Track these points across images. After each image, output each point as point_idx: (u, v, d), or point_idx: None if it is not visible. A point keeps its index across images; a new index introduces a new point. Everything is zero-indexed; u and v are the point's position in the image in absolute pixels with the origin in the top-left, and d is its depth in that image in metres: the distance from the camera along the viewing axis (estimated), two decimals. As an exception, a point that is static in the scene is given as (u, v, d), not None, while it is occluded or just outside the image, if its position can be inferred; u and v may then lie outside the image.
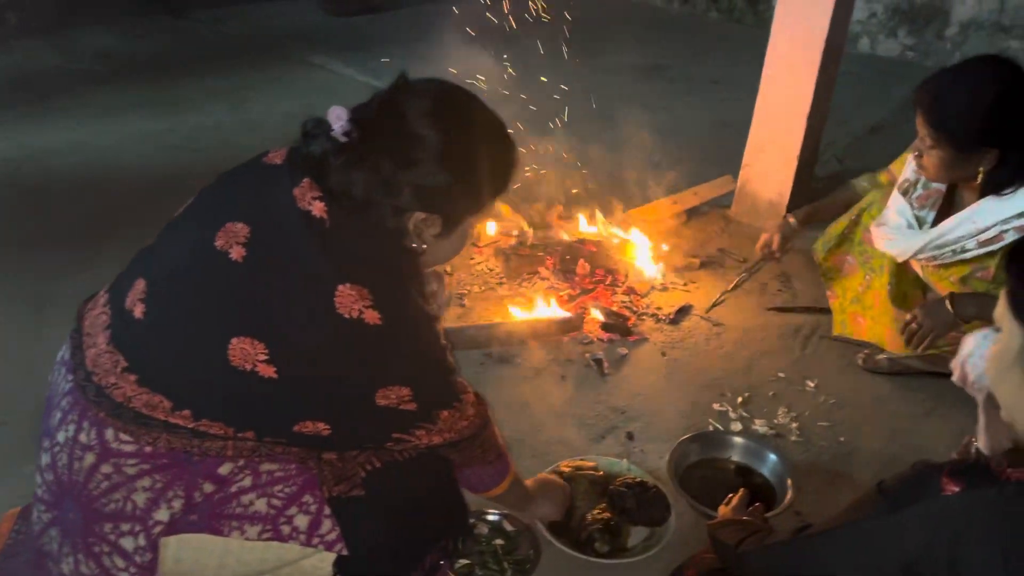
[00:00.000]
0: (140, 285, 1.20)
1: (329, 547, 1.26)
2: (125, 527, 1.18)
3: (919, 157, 1.99)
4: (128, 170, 3.68)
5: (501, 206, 3.10)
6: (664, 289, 2.85)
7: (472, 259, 2.99)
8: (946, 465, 0.91)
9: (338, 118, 1.16)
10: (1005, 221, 1.88)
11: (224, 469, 1.19)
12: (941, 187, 2.11)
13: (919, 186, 2.13)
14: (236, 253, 1.14)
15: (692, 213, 3.31)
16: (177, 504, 1.18)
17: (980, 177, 1.90)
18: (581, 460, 2.01)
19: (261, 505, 1.21)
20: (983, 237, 1.93)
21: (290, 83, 4.85)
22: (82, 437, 1.18)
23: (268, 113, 4.39)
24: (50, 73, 4.79)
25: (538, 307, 2.68)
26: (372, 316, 1.12)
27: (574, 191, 3.30)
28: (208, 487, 1.19)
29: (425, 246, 1.25)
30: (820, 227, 2.54)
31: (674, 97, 4.77)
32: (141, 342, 1.18)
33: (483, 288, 2.84)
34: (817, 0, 2.80)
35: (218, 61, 5.14)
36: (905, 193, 2.16)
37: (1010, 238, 1.88)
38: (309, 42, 5.45)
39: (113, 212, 3.25)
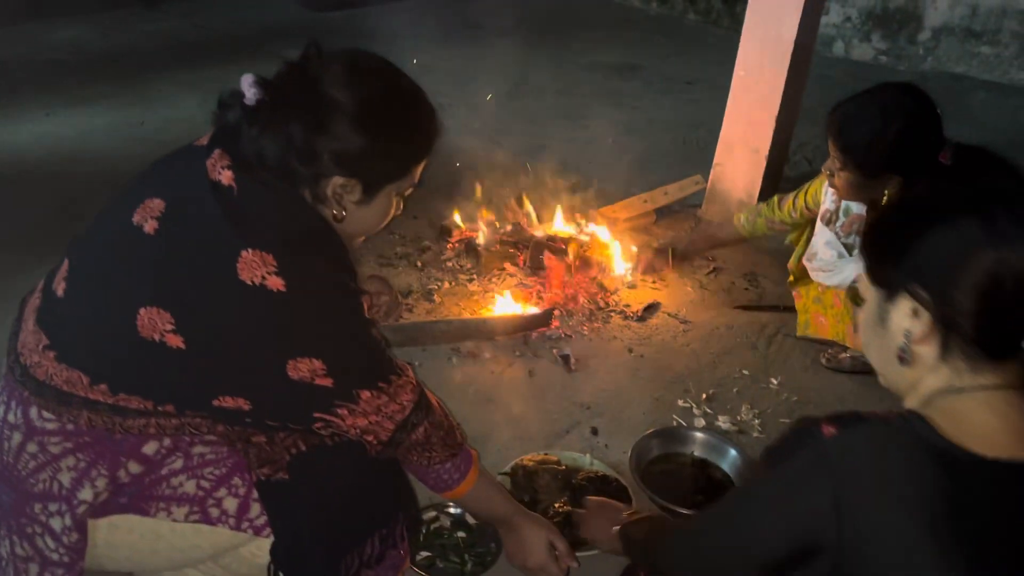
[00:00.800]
0: (64, 266, 1.21)
1: (258, 532, 1.25)
2: (53, 507, 1.17)
3: (831, 176, 2.10)
4: (96, 162, 3.64)
5: (481, 209, 3.10)
6: (633, 287, 2.86)
7: (442, 255, 2.98)
8: (824, 416, 0.98)
9: (250, 86, 1.14)
10: None
11: (149, 448, 1.19)
12: (862, 211, 2.19)
13: (840, 214, 2.21)
14: (149, 227, 1.13)
15: (662, 212, 3.33)
16: (101, 483, 1.17)
17: (886, 199, 1.99)
18: (545, 455, 2.01)
19: (190, 487, 1.21)
20: None
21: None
22: (10, 417, 1.18)
23: None
24: (19, 64, 4.73)
25: (508, 303, 2.68)
26: (275, 282, 1.09)
27: (545, 188, 3.30)
28: (134, 467, 1.18)
29: (344, 213, 1.21)
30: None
31: (648, 96, 4.80)
32: (60, 319, 1.18)
33: (453, 284, 2.83)
34: (786, 2, 2.82)
35: (189, 54, 5.09)
36: (828, 223, 2.26)
37: None
38: (283, 36, 5.41)
39: (79, 204, 3.20)
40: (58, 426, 1.16)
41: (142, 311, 1.10)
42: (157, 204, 1.15)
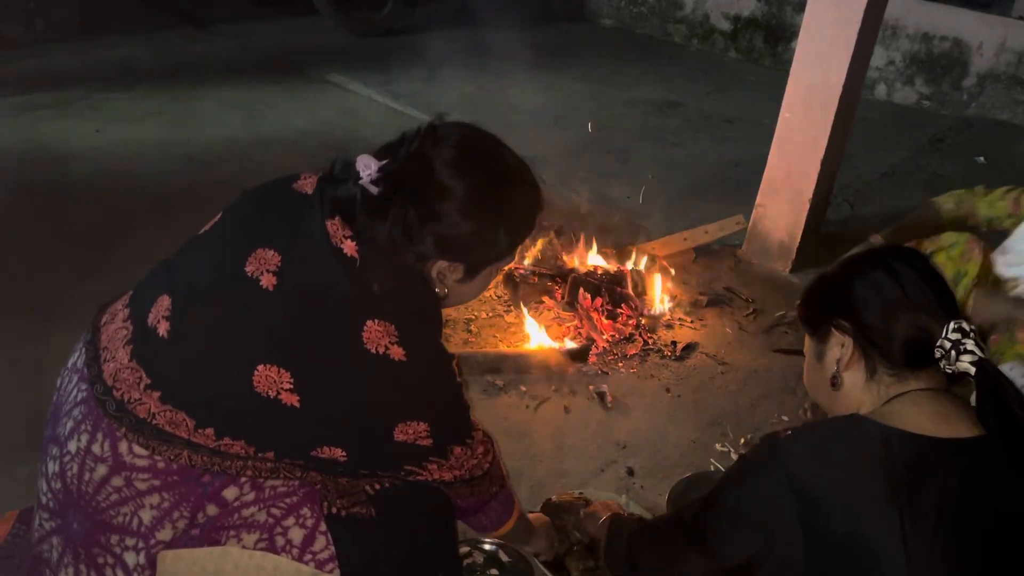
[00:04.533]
0: (165, 302, 1.19)
1: (320, 566, 1.23)
2: (130, 542, 1.18)
3: None
4: (142, 179, 3.71)
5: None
6: (671, 326, 2.84)
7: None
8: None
9: (366, 167, 1.16)
10: None
11: (230, 493, 1.19)
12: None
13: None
14: (267, 281, 1.14)
15: (702, 251, 3.31)
16: (181, 524, 1.18)
17: None
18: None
19: (261, 516, 1.22)
20: None
21: (307, 101, 4.89)
22: (95, 448, 1.18)
23: (283, 129, 4.43)
24: (72, 79, 4.85)
25: (545, 336, 2.67)
26: (397, 352, 1.13)
27: (584, 222, 3.31)
28: (213, 510, 1.19)
29: (447, 291, 1.27)
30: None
31: (688, 133, 4.80)
32: (165, 361, 1.17)
33: (491, 315, 2.84)
34: (836, 46, 2.82)
35: (236, 75, 5.19)
36: None
37: None
38: (329, 61, 5.51)
39: (125, 220, 3.26)
40: (149, 463, 1.16)
41: (260, 368, 1.12)
42: (272, 257, 1.16)
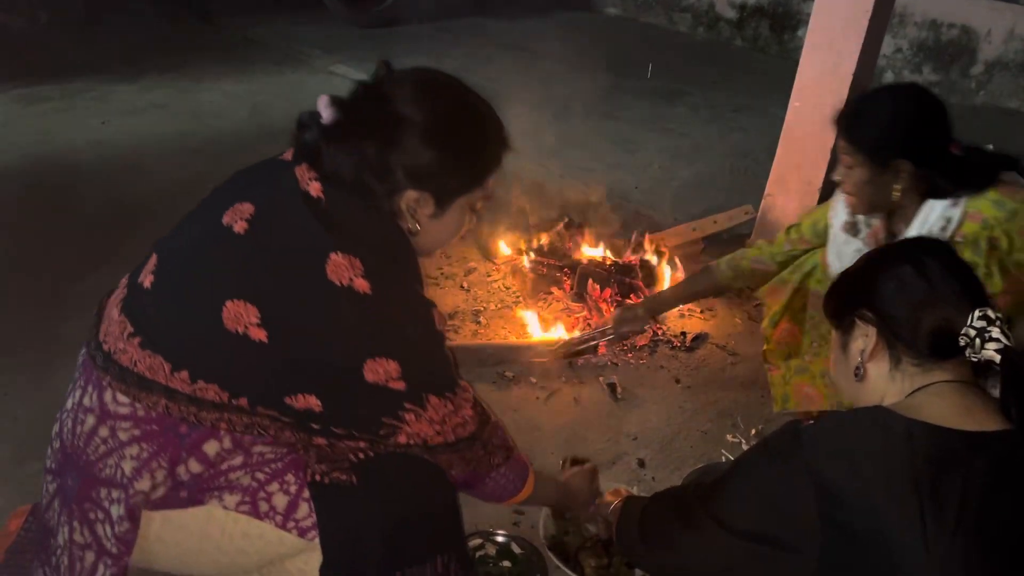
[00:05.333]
0: (152, 260, 1.25)
1: (302, 533, 1.25)
2: (115, 494, 1.20)
3: (841, 183, 1.95)
4: (147, 171, 3.70)
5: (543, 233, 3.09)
6: (681, 316, 2.83)
7: (489, 276, 2.98)
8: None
9: (325, 106, 1.20)
10: (945, 219, 1.83)
11: (210, 448, 1.21)
12: (879, 223, 2.02)
13: (863, 225, 2.06)
14: (239, 227, 1.18)
15: (711, 241, 3.30)
16: (160, 476, 1.19)
17: (896, 195, 1.84)
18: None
19: (245, 479, 1.23)
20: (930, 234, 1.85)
21: (311, 92, 4.83)
22: (86, 400, 1.22)
23: (288, 120, 4.25)
24: (77, 71, 4.84)
25: (553, 328, 2.67)
26: (362, 285, 1.14)
27: (592, 212, 3.29)
28: (195, 465, 1.21)
29: (419, 227, 1.25)
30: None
31: (695, 123, 4.78)
32: (147, 309, 1.22)
33: (499, 306, 2.83)
34: (846, 34, 2.80)
35: (241, 67, 5.18)
36: (854, 234, 2.07)
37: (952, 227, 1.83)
38: (333, 52, 5.49)
39: (131, 212, 3.26)
40: (130, 411, 1.19)
41: (229, 304, 1.14)
42: (247, 207, 1.20)
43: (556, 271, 2.94)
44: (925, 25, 5.49)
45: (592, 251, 3.05)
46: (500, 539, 1.84)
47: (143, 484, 1.19)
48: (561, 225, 3.12)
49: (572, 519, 1.91)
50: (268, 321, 1.14)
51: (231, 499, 1.23)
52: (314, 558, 1.28)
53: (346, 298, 1.13)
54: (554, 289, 2.87)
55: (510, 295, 2.89)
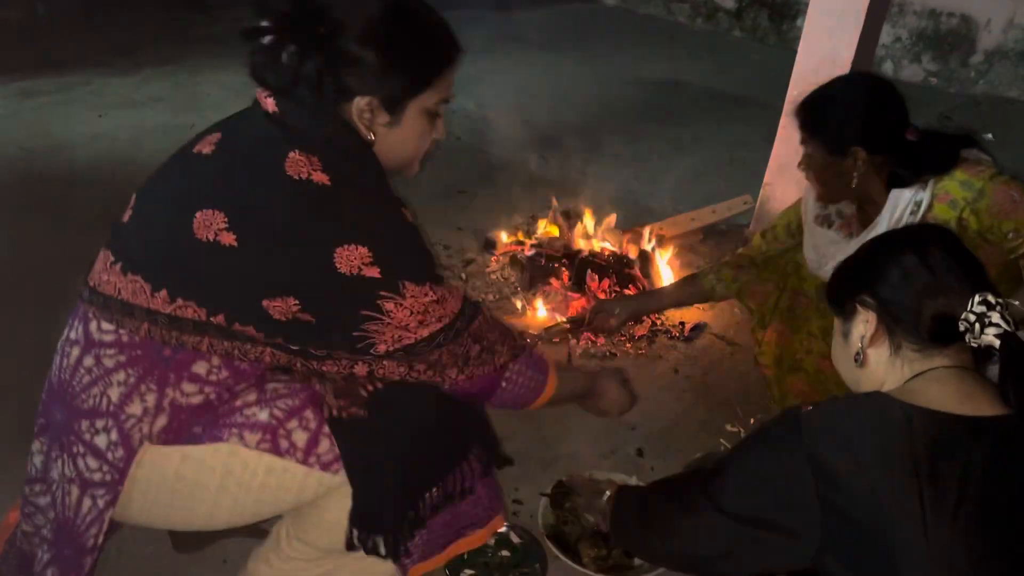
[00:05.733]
0: (132, 200, 1.31)
1: (325, 467, 1.27)
2: (100, 423, 1.23)
3: (803, 170, 1.96)
4: (145, 164, 3.60)
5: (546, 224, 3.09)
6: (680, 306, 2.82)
7: (487, 268, 2.98)
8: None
9: (259, 17, 1.23)
10: (915, 203, 1.85)
11: (200, 368, 1.23)
12: (852, 211, 2.03)
13: (835, 216, 2.07)
14: (207, 150, 1.24)
15: (709, 231, 3.29)
16: (150, 399, 1.22)
17: (854, 182, 1.85)
18: (590, 475, 1.99)
19: (263, 415, 1.26)
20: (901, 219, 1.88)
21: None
22: (71, 334, 1.28)
23: None
24: (74, 65, 4.82)
25: (550, 311, 2.70)
26: (320, 177, 1.17)
27: (590, 203, 3.29)
28: (189, 387, 1.23)
29: (374, 136, 1.26)
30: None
31: (694, 113, 4.76)
32: (125, 238, 1.27)
33: (498, 297, 2.83)
34: (844, 22, 2.79)
35: (238, 59, 5.10)
36: (827, 226, 2.07)
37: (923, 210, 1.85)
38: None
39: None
40: (114, 338, 1.23)
41: (198, 215, 1.17)
42: (215, 137, 1.26)
43: (554, 262, 2.93)
44: (924, 14, 5.48)
45: (590, 242, 3.04)
46: (499, 529, 1.84)
47: (134, 408, 1.22)
48: (559, 216, 3.12)
49: (571, 508, 1.91)
50: (235, 223, 1.16)
51: (251, 437, 1.25)
52: (331, 497, 1.31)
53: (307, 190, 1.16)
54: (552, 280, 2.86)
55: (508, 286, 2.89)
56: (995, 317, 1.09)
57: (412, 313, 1.21)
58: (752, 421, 2.30)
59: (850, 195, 1.94)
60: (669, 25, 6.79)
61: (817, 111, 1.90)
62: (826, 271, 2.07)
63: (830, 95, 1.91)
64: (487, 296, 2.82)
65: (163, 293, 1.19)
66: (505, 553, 1.81)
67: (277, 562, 1.44)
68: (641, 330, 2.67)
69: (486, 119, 4.24)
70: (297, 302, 1.17)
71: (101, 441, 1.22)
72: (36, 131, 3.94)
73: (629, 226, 3.11)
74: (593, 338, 2.59)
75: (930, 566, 1.00)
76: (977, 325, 1.09)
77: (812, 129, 1.90)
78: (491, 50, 5.43)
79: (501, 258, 2.99)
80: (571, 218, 3.11)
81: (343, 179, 1.18)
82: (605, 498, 1.56)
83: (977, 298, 1.10)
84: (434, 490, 1.34)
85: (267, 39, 1.20)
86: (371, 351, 1.22)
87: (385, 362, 1.26)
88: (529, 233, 3.07)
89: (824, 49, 2.86)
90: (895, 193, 1.85)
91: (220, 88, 4.65)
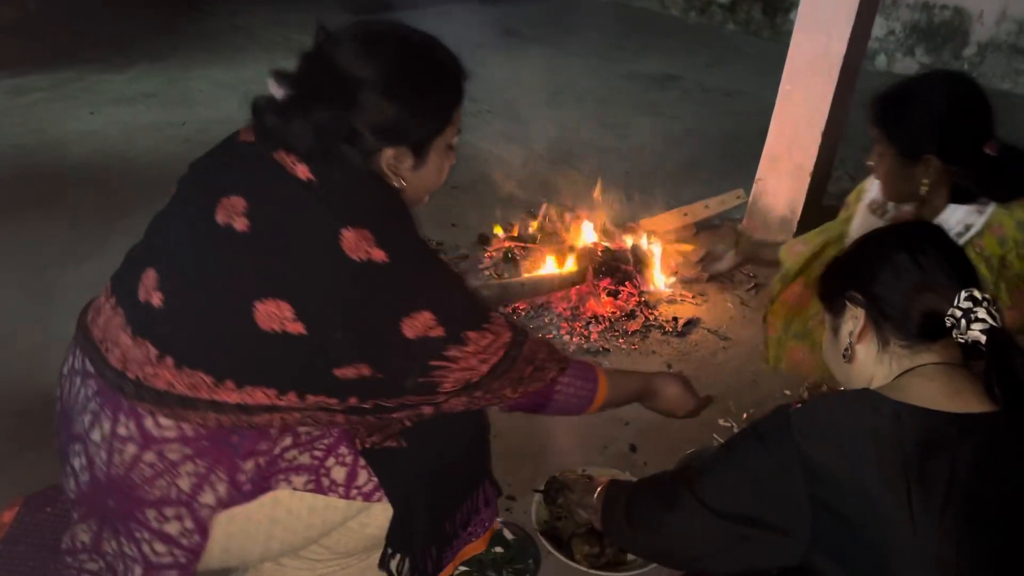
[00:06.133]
0: (150, 276, 1.21)
1: (367, 498, 1.30)
2: (169, 512, 1.20)
3: (873, 168, 1.93)
4: (137, 161, 3.68)
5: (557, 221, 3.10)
6: (673, 301, 2.83)
7: (480, 264, 2.98)
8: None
9: (276, 86, 1.20)
10: (965, 225, 1.81)
11: (262, 445, 1.23)
12: (910, 209, 2.01)
13: (891, 207, 2.05)
14: (240, 224, 1.16)
15: (702, 225, 3.30)
16: (222, 488, 1.21)
17: (924, 189, 1.82)
18: (582, 471, 1.99)
19: (304, 458, 1.27)
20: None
21: (303, 79, 4.84)
22: (120, 431, 1.19)
23: None
24: (65, 61, 4.80)
25: (546, 265, 2.78)
26: (379, 255, 1.15)
27: (584, 198, 3.28)
28: (249, 465, 1.23)
29: (404, 182, 1.26)
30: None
31: (687, 107, 4.76)
32: (167, 328, 1.19)
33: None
34: (836, 16, 2.79)
35: (230, 55, 5.14)
36: (880, 215, 2.08)
37: (971, 234, 1.81)
38: (324, 39, 5.45)
39: (122, 203, 3.23)
40: (176, 433, 1.18)
41: (259, 305, 1.13)
42: (238, 202, 1.17)
43: (549, 255, 2.93)
44: (917, 7, 5.48)
45: (583, 236, 3.04)
46: (494, 530, 1.84)
47: (207, 498, 1.20)
48: (553, 211, 3.12)
49: (565, 504, 1.91)
50: (303, 312, 1.14)
51: (299, 480, 1.26)
52: (372, 513, 1.34)
53: (369, 271, 1.14)
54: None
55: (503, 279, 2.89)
56: (981, 313, 1.09)
57: (475, 355, 1.26)
58: (745, 416, 2.31)
59: (916, 199, 1.89)
60: (663, 19, 6.78)
61: (895, 111, 1.81)
62: None
63: (911, 95, 1.82)
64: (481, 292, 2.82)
65: (228, 383, 1.16)
66: (498, 549, 1.81)
67: (287, 560, 1.45)
68: (634, 325, 2.67)
69: (479, 114, 4.23)
70: (368, 367, 1.20)
71: (172, 528, 1.21)
72: (28, 128, 3.92)
73: (622, 221, 3.12)
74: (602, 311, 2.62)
75: (919, 563, 1.00)
76: (963, 321, 1.10)
77: (887, 129, 1.82)
78: (483, 44, 5.41)
79: (495, 254, 2.99)
80: (564, 213, 3.11)
81: (398, 250, 1.17)
82: (596, 494, 1.56)
83: (964, 294, 1.11)
84: (457, 513, 1.43)
85: (289, 105, 1.17)
86: (438, 390, 1.26)
87: (451, 400, 1.29)
88: (523, 229, 3.07)
89: (817, 43, 2.86)
90: (952, 207, 1.80)
91: (211, 84, 4.64)
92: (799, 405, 1.13)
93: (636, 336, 2.64)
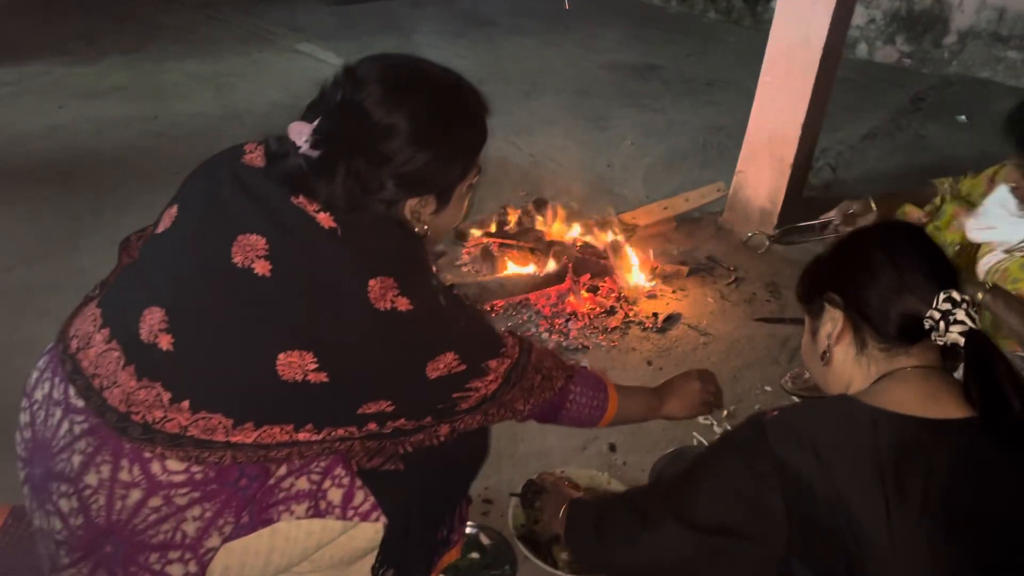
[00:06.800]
0: (156, 315, 1.15)
1: (364, 517, 1.29)
2: (174, 555, 1.17)
3: (1016, 190, 1.99)
4: (108, 157, 3.60)
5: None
6: (653, 296, 2.80)
7: (457, 261, 2.93)
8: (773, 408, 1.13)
9: (299, 134, 1.14)
10: None
11: (265, 480, 1.21)
12: None
13: None
14: (260, 268, 1.12)
15: (683, 219, 3.26)
16: (228, 529, 1.19)
17: None
18: (561, 472, 1.96)
19: (302, 483, 1.24)
20: None
21: (277, 72, 4.77)
22: (123, 476, 1.14)
23: (253, 101, 4.31)
24: (33, 54, 4.70)
25: (525, 264, 2.75)
26: (403, 303, 1.13)
27: (563, 191, 3.24)
28: (256, 505, 1.22)
29: (427, 228, 1.25)
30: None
31: (668, 98, 4.72)
32: (180, 373, 1.14)
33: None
34: (816, 5, 2.75)
35: (204, 46, 5.05)
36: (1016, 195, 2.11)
37: None
38: (299, 30, 5.38)
39: (92, 201, 3.17)
40: (185, 477, 1.15)
41: (281, 356, 1.11)
42: (257, 241, 1.13)
43: (527, 252, 2.89)
44: (898, -5, 5.46)
45: (562, 232, 3.00)
46: (468, 530, 1.81)
47: (213, 542, 1.18)
48: (531, 205, 3.07)
49: (542, 508, 1.88)
50: (327, 363, 1.12)
51: (300, 508, 1.24)
52: (361, 527, 1.31)
53: (394, 320, 1.13)
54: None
55: (480, 277, 2.84)
56: (960, 315, 1.07)
57: (495, 380, 1.29)
58: (725, 414, 2.28)
59: None
60: (643, 7, 6.74)
61: None
62: (980, 220, 2.15)
63: None
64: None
65: (248, 425, 1.14)
66: (475, 555, 1.78)
67: None
68: (614, 321, 2.64)
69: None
70: (391, 404, 1.20)
71: (175, 570, 1.17)
72: (-7, 124, 3.84)
73: (602, 215, 3.07)
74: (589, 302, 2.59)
75: (896, 572, 0.98)
76: (942, 323, 1.07)
77: None
78: (461, 34, 5.35)
79: (473, 250, 2.94)
80: (543, 208, 3.06)
81: (421, 297, 1.16)
82: (560, 513, 1.52)
83: (942, 295, 1.08)
84: (445, 525, 1.45)
85: (316, 155, 1.13)
86: (456, 411, 1.27)
87: (466, 417, 1.30)
88: (501, 224, 3.02)
89: (796, 32, 2.82)
90: None
91: (186, 77, 4.55)
92: (775, 413, 1.10)
93: (616, 332, 2.61)
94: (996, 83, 5.17)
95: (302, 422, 1.17)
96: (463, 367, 1.23)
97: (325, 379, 1.13)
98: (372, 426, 1.22)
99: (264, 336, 1.12)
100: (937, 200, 2.36)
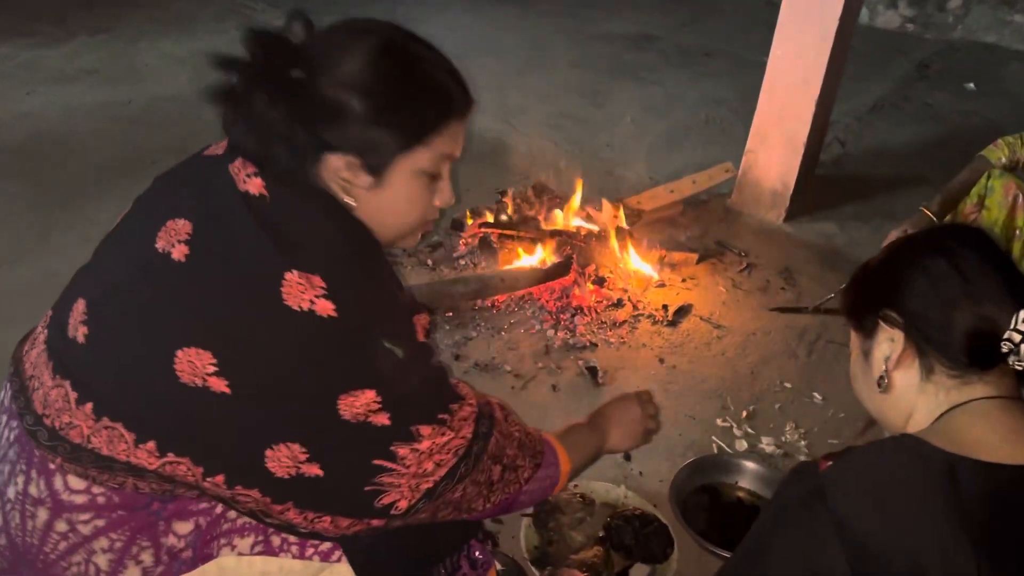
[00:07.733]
0: (80, 307, 1.03)
1: (325, 557, 1.13)
2: None
3: None
4: (79, 145, 3.40)
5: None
6: (662, 286, 2.65)
7: (455, 252, 2.78)
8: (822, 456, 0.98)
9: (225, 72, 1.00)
10: None
11: (193, 506, 1.05)
12: None
13: None
14: (178, 252, 0.99)
15: (690, 202, 3.10)
16: (147, 557, 1.03)
17: None
18: (574, 485, 1.83)
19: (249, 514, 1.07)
20: None
21: (259, 50, 4.54)
22: (32, 490, 1.02)
23: None
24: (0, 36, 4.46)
25: (528, 257, 2.62)
26: (324, 307, 0.94)
27: (562, 175, 3.08)
28: (183, 527, 1.04)
29: (353, 202, 1.04)
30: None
31: (666, 70, 4.54)
32: (88, 368, 1.01)
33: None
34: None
35: (180, 25, 4.82)
36: None
37: None
38: (278, 5, 5.14)
39: (62, 194, 2.98)
40: (86, 499, 1.01)
41: (180, 353, 0.95)
42: (183, 226, 1.00)
43: (526, 242, 2.74)
44: (900, -43, 5.28)
45: (563, 220, 2.84)
46: (478, 555, 1.68)
47: (130, 572, 1.02)
48: (529, 191, 2.91)
49: (556, 528, 1.76)
50: (226, 368, 0.94)
51: (244, 542, 1.08)
52: (336, 571, 1.15)
53: (308, 325, 0.94)
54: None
55: (479, 269, 2.69)
56: None
57: (430, 455, 1.04)
58: (744, 414, 2.15)
59: None
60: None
61: None
62: None
63: None
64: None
65: (150, 445, 0.97)
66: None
67: None
68: (622, 315, 2.50)
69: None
70: (304, 450, 0.98)
71: None
72: (-43, 111, 3.62)
73: (604, 201, 2.92)
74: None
75: None
76: (1023, 346, 0.93)
77: None
78: (449, 6, 5.14)
79: (470, 240, 2.79)
80: (541, 193, 2.90)
81: (350, 305, 0.96)
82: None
83: (1022, 314, 0.93)
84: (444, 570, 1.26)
85: (237, 89, 0.98)
86: (391, 512, 1.04)
87: (408, 519, 1.08)
88: (498, 211, 2.86)
89: (810, 6, 2.66)
90: None
91: (160, 58, 4.34)
92: (828, 463, 0.94)
93: (624, 327, 2.47)
94: (1003, 48, 5.02)
95: (210, 465, 0.99)
96: (385, 419, 1.00)
97: (225, 389, 0.94)
98: (290, 504, 1.02)
99: (168, 330, 0.97)
100: (984, 179, 2.19)
